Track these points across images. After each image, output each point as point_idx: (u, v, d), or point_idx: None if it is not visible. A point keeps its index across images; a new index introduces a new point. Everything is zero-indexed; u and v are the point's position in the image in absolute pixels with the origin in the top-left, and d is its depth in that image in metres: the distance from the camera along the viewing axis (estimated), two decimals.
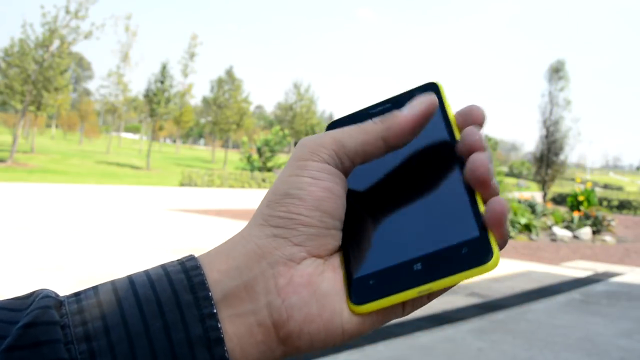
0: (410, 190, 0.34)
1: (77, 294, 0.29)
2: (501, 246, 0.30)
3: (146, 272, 0.30)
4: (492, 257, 0.29)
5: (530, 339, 3.94)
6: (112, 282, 0.29)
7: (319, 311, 0.29)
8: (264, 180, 25.47)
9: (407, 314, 0.32)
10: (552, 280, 6.48)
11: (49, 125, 64.33)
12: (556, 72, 26.08)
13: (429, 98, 0.33)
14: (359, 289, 0.31)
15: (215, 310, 0.28)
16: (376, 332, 3.83)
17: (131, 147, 55.86)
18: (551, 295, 5.54)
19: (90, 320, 0.27)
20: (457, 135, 0.34)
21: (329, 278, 0.30)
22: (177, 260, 0.31)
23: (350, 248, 0.33)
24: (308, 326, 0.29)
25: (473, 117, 0.33)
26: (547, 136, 26.09)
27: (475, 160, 0.30)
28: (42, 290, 0.29)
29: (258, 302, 0.29)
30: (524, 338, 3.97)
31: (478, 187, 0.31)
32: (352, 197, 0.34)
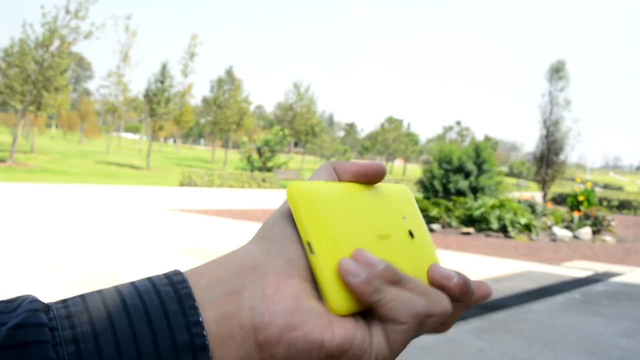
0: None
1: (64, 301, 0.30)
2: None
3: (132, 284, 0.31)
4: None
5: (530, 339, 3.94)
6: (99, 292, 0.30)
7: (301, 322, 0.30)
8: (264, 180, 25.47)
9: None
10: (552, 280, 6.48)
11: (49, 125, 64.38)
12: (556, 72, 26.09)
13: (370, 169, 0.37)
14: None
15: (201, 319, 0.29)
16: None
17: (131, 147, 55.88)
18: (551, 295, 5.54)
19: (78, 325, 0.28)
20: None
21: (315, 301, 0.31)
22: (163, 274, 0.31)
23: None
24: (288, 333, 0.30)
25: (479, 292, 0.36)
26: (547, 136, 26.11)
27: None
28: (27, 295, 0.30)
29: (242, 305, 0.30)
30: (524, 338, 3.96)
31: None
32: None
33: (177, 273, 0.31)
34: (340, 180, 0.37)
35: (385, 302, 0.31)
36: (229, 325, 0.30)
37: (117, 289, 0.30)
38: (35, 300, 0.29)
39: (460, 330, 4.06)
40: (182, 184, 22.33)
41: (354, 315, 0.32)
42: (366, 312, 0.33)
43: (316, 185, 0.34)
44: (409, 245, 0.37)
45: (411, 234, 0.38)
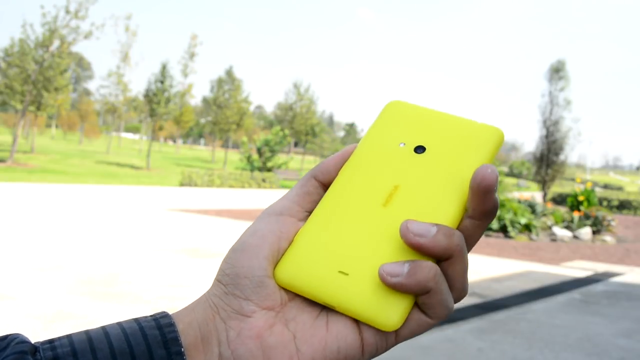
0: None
1: (51, 342, 0.30)
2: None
3: (120, 325, 0.31)
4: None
5: (530, 339, 3.94)
6: (87, 332, 0.30)
7: None
8: (264, 180, 25.46)
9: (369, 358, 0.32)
10: (552, 280, 6.48)
11: (49, 125, 64.34)
12: (556, 72, 26.11)
13: (348, 148, 0.37)
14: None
15: None
16: None
17: (131, 147, 55.86)
18: (551, 295, 5.54)
19: None
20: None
21: (278, 332, 0.31)
22: (151, 315, 0.32)
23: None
24: None
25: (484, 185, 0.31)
26: (547, 136, 26.13)
27: None
28: (16, 335, 0.30)
29: (212, 353, 0.31)
30: (524, 338, 3.97)
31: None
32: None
33: (164, 316, 0.32)
34: (325, 185, 0.37)
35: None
36: None
37: (105, 331, 0.31)
38: (23, 342, 0.29)
39: (460, 330, 4.07)
40: (182, 184, 22.32)
41: (329, 321, 0.32)
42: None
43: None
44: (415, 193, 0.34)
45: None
